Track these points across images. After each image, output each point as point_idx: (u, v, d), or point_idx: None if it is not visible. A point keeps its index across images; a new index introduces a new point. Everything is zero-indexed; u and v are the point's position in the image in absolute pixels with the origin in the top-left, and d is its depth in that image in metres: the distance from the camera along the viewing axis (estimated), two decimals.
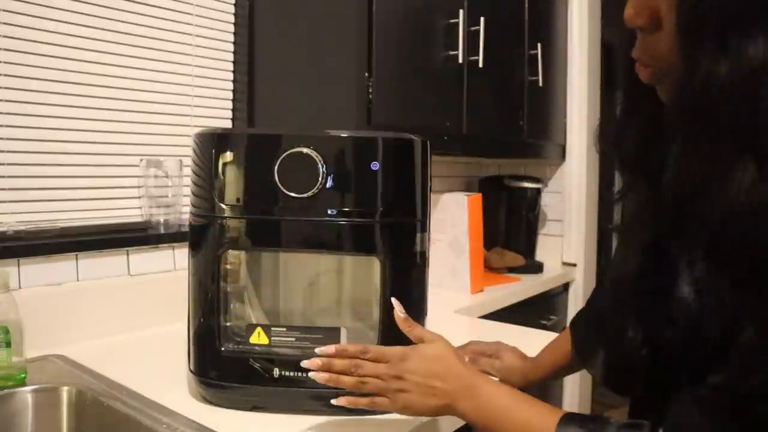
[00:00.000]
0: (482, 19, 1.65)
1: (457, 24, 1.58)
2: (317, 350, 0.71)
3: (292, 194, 0.81)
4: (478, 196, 1.76)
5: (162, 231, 1.29)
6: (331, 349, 0.70)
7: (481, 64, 1.66)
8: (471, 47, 1.64)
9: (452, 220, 1.73)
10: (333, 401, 0.71)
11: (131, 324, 1.20)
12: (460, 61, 1.60)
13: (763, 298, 0.47)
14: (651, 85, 0.58)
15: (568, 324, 0.94)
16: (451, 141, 1.64)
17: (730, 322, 0.48)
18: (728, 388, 0.49)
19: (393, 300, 0.78)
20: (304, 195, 0.81)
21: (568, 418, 0.60)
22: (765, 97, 0.45)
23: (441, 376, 0.68)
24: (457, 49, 1.59)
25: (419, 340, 0.73)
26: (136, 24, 1.29)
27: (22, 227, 1.12)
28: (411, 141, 0.85)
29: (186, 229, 1.27)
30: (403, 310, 0.77)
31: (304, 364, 0.71)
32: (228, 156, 0.83)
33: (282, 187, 0.81)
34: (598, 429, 0.57)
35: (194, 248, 0.86)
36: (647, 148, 0.62)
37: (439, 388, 0.67)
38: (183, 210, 1.33)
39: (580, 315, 0.92)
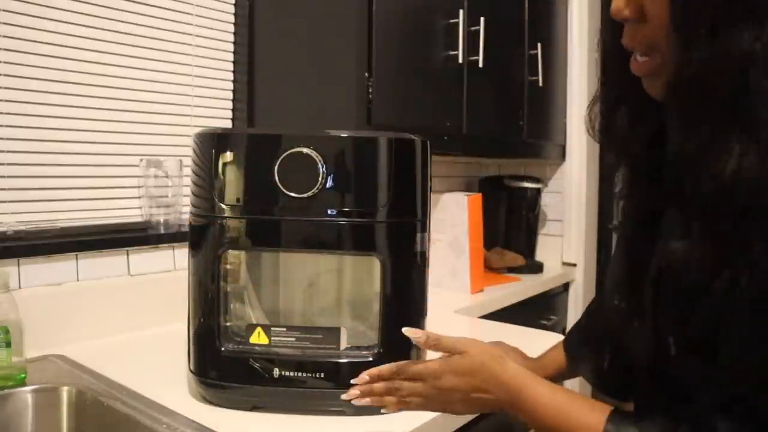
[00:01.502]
0: (482, 19, 1.65)
1: (457, 24, 1.58)
2: (353, 381, 0.71)
3: (292, 194, 0.81)
4: (478, 196, 1.76)
5: (162, 231, 1.29)
6: (365, 377, 0.70)
7: (481, 64, 1.66)
8: (471, 47, 1.64)
9: (452, 220, 1.73)
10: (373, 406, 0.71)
11: (131, 324, 1.20)
12: (460, 61, 1.60)
13: (744, 246, 0.51)
14: (643, 75, 0.60)
15: (567, 325, 0.95)
16: (451, 141, 1.64)
17: (715, 268, 0.52)
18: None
19: (405, 331, 0.72)
20: (304, 195, 0.81)
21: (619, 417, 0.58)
22: (752, 80, 0.50)
23: (484, 389, 0.66)
24: (457, 49, 1.59)
25: (450, 351, 0.70)
26: (136, 24, 1.29)
27: (22, 227, 1.12)
28: (411, 141, 0.85)
29: (186, 229, 1.27)
30: (419, 332, 0.72)
31: (345, 397, 0.71)
32: (228, 156, 0.83)
33: (282, 187, 0.81)
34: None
35: (194, 248, 0.86)
36: (634, 131, 0.66)
37: (485, 398, 0.66)
38: (183, 210, 1.33)
39: (573, 329, 0.94)
